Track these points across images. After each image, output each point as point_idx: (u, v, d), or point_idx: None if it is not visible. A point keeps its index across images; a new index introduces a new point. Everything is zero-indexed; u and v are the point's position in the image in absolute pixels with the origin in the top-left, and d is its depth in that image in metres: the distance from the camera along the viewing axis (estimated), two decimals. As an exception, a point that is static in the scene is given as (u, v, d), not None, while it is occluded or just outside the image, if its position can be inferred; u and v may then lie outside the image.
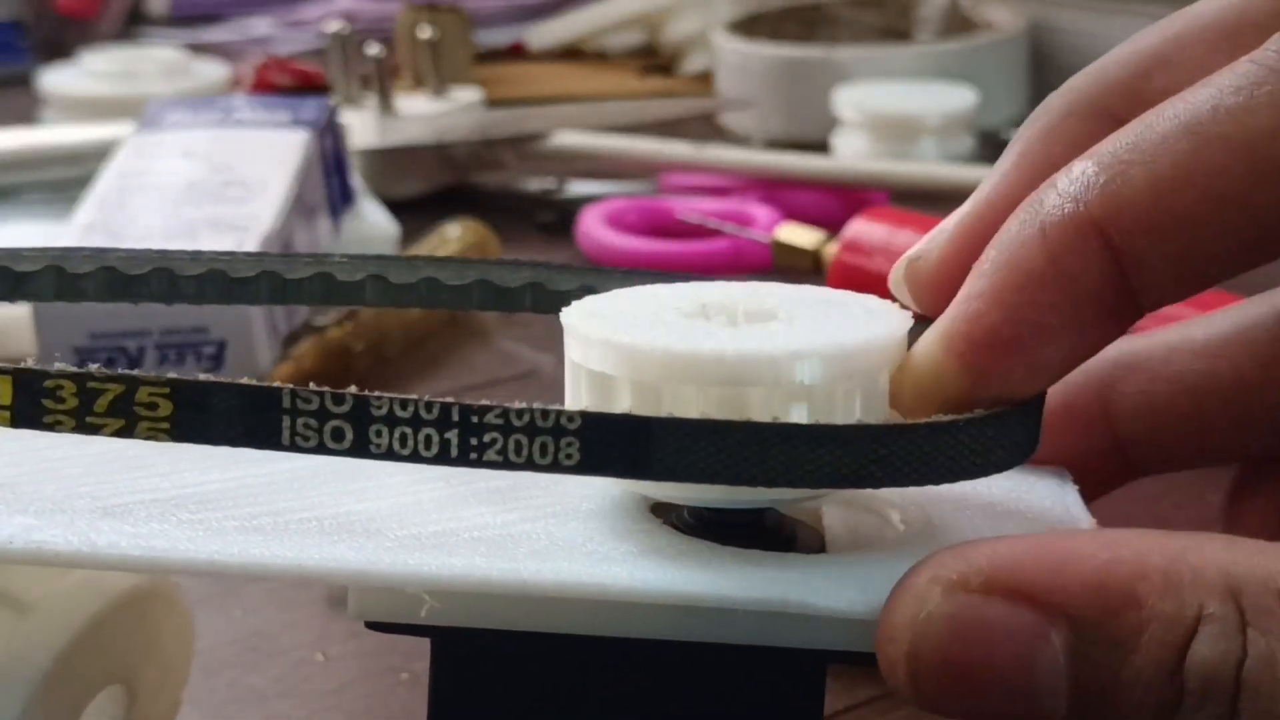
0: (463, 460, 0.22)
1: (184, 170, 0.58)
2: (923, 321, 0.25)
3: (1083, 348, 0.24)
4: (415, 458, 0.22)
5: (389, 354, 0.54)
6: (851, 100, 0.73)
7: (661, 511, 0.25)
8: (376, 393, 0.22)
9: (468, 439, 0.22)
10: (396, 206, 0.67)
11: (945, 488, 0.24)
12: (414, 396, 0.22)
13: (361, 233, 0.64)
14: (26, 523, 0.24)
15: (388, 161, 0.71)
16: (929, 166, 0.67)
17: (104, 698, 0.28)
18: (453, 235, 0.60)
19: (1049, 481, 0.28)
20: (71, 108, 0.81)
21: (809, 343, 0.23)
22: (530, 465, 0.22)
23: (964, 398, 0.24)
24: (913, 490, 0.24)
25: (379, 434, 0.22)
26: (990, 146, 0.73)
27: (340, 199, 0.63)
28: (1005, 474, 0.28)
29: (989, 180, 0.26)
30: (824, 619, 0.23)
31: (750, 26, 0.85)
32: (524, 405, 0.22)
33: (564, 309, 0.25)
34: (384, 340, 0.54)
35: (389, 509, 0.25)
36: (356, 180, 0.65)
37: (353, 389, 0.23)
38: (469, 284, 0.29)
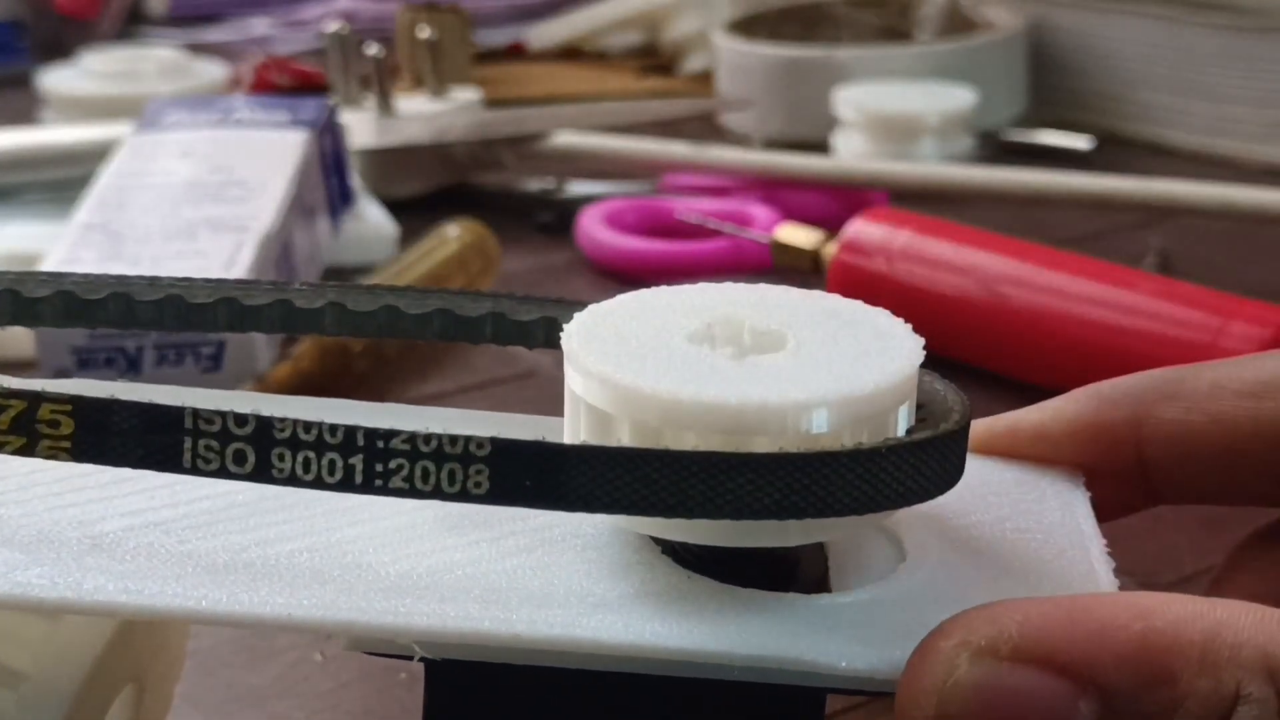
0: (367, 488, 0.22)
1: (183, 170, 0.58)
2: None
3: None
4: (319, 484, 0.22)
5: (388, 354, 0.54)
6: (851, 100, 0.73)
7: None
8: (281, 415, 0.22)
9: (373, 465, 0.22)
10: (396, 206, 0.67)
11: (950, 496, 0.23)
12: (318, 420, 0.22)
13: (361, 233, 0.64)
14: (11, 558, 0.23)
15: (387, 161, 0.71)
16: (929, 166, 0.67)
17: (120, 698, 0.28)
18: (452, 235, 0.59)
19: (1060, 488, 0.27)
20: (71, 108, 0.81)
21: (816, 388, 0.22)
22: (438, 494, 0.22)
23: None
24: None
25: (281, 458, 0.22)
26: (990, 146, 0.73)
27: (339, 199, 0.63)
28: (1015, 477, 0.27)
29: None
30: (828, 673, 0.22)
31: (750, 26, 0.85)
32: (433, 431, 0.22)
33: (566, 326, 0.24)
34: (383, 340, 0.53)
35: (383, 534, 0.24)
36: (356, 180, 0.65)
37: (258, 410, 0.22)
38: (429, 313, 0.28)
